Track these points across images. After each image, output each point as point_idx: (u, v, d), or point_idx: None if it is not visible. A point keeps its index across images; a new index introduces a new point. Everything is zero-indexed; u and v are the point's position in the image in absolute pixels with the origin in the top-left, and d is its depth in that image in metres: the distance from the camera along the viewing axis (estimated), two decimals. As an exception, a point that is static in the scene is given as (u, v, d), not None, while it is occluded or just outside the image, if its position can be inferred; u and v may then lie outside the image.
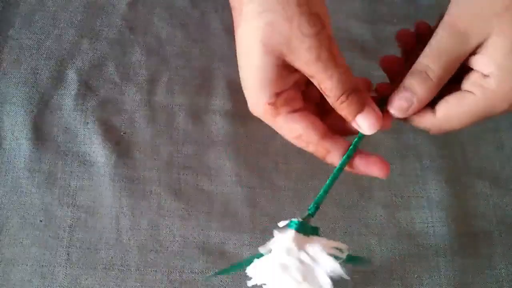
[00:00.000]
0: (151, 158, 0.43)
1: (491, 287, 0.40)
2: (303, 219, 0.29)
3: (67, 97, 0.45)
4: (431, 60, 0.28)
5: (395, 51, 0.49)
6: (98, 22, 0.49)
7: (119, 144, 0.43)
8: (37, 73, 0.46)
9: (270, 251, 0.29)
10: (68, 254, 0.39)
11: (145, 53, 0.48)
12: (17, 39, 0.47)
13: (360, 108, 0.28)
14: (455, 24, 0.27)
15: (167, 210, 0.41)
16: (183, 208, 0.41)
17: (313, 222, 0.42)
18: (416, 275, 0.40)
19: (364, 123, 0.28)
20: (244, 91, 0.29)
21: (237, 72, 0.29)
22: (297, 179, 0.43)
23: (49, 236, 0.40)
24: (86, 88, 0.46)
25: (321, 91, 0.27)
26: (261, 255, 0.29)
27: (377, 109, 0.28)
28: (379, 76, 0.47)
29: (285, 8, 0.25)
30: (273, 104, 0.27)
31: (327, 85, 0.27)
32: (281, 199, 0.42)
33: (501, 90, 0.27)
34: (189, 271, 0.39)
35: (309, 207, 0.30)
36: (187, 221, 0.41)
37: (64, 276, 0.39)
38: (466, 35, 0.27)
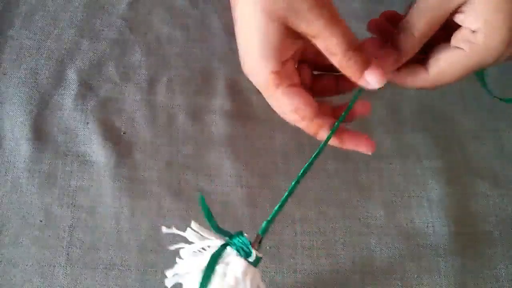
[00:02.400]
0: (151, 158, 0.43)
1: (491, 287, 0.40)
2: (252, 242, 0.30)
3: (67, 97, 0.45)
4: (417, 18, 0.29)
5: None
6: (98, 22, 0.49)
7: (119, 144, 0.43)
8: (37, 73, 0.46)
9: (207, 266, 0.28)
10: (68, 254, 0.39)
11: (145, 53, 0.48)
12: (17, 39, 0.47)
13: (367, 64, 0.29)
14: None
15: (167, 210, 0.41)
16: (183, 208, 0.41)
17: (311, 224, 0.42)
18: (416, 275, 0.40)
19: (373, 78, 0.29)
20: (246, 67, 0.29)
21: (237, 72, 0.29)
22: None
23: (49, 236, 0.40)
24: (86, 88, 0.46)
25: (326, 52, 0.28)
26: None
27: (380, 65, 0.30)
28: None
29: None
30: (278, 73, 0.28)
31: (333, 41, 0.27)
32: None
33: (488, 44, 0.28)
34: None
35: (262, 224, 0.31)
36: (187, 221, 0.41)
37: (64, 276, 0.39)
38: None
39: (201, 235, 0.29)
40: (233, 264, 0.27)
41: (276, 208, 0.30)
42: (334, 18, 0.28)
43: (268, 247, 0.40)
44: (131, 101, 0.45)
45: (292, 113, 0.30)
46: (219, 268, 0.27)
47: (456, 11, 0.29)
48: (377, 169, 0.44)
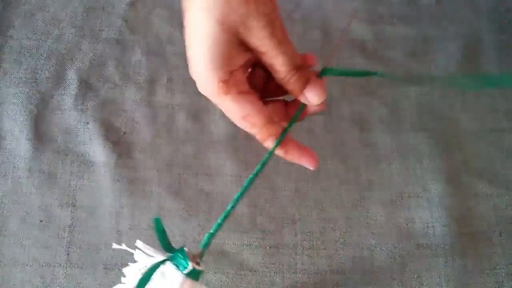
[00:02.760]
0: (151, 158, 0.43)
1: (491, 287, 0.40)
2: (194, 255, 0.29)
3: (67, 97, 0.45)
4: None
5: (395, 51, 0.49)
6: (98, 22, 0.49)
7: (119, 144, 0.43)
8: (37, 73, 0.46)
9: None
10: (68, 254, 0.39)
11: (145, 53, 0.48)
12: (17, 39, 0.47)
13: (306, 82, 0.30)
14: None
15: (167, 210, 0.41)
16: (183, 208, 0.41)
17: (311, 224, 0.42)
18: (416, 275, 0.40)
19: (312, 95, 0.30)
20: (193, 72, 0.30)
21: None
22: (297, 179, 0.43)
23: (49, 236, 0.40)
24: (86, 88, 0.46)
25: (270, 68, 0.29)
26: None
27: (321, 82, 0.31)
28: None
29: None
30: (226, 82, 0.29)
31: (279, 60, 0.28)
32: (281, 199, 0.42)
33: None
34: (189, 271, 0.39)
35: (204, 238, 0.30)
36: (187, 221, 0.41)
37: (64, 276, 0.39)
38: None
39: (146, 253, 0.29)
40: (170, 276, 0.27)
41: (219, 220, 0.30)
42: (284, 38, 0.28)
43: (268, 247, 0.40)
44: (131, 101, 0.45)
45: (242, 120, 0.30)
46: (156, 281, 0.27)
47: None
48: (377, 169, 0.44)
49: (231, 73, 0.29)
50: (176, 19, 0.50)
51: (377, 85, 0.47)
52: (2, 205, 0.41)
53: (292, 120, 0.32)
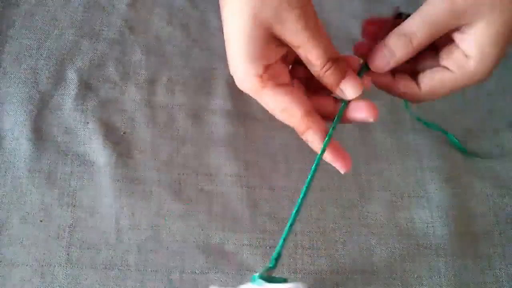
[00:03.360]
0: (151, 158, 0.43)
1: (491, 287, 0.40)
2: (263, 273, 0.29)
3: (67, 97, 0.45)
4: (420, 28, 0.30)
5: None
6: (98, 22, 0.49)
7: (119, 144, 0.43)
8: (37, 73, 0.46)
9: None
10: (68, 254, 0.39)
11: (145, 53, 0.48)
12: (17, 39, 0.47)
13: (342, 75, 0.30)
14: (454, 1, 0.29)
15: (167, 210, 0.41)
16: (183, 208, 0.41)
17: (311, 224, 0.42)
18: (416, 275, 0.40)
19: (348, 88, 0.30)
20: (232, 67, 0.30)
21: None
22: (297, 179, 0.43)
23: (49, 236, 0.40)
24: (86, 88, 0.46)
25: (306, 61, 0.29)
26: None
27: (356, 75, 0.31)
28: (379, 76, 0.47)
29: None
30: (261, 77, 0.29)
31: (314, 53, 0.28)
32: (281, 199, 0.42)
33: (478, 72, 0.30)
34: (189, 271, 0.39)
35: (271, 258, 0.31)
36: (187, 221, 0.41)
37: (64, 276, 0.39)
38: (462, 12, 0.29)
39: None
40: None
41: (283, 237, 0.31)
42: (318, 30, 0.28)
43: (268, 247, 0.40)
44: (131, 101, 0.45)
45: (281, 112, 0.30)
46: None
47: (456, 28, 0.30)
48: (377, 169, 0.44)
49: (267, 67, 0.29)
50: (176, 19, 0.50)
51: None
52: (2, 205, 0.41)
53: (336, 119, 0.31)
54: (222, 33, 0.49)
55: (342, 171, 0.32)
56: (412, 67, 0.33)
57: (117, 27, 0.49)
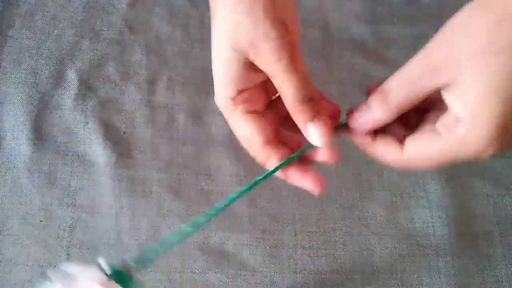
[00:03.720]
0: (151, 158, 0.43)
1: (491, 287, 0.40)
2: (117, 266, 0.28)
3: (67, 97, 0.45)
4: (395, 85, 0.27)
5: (395, 51, 0.49)
6: (98, 22, 0.49)
7: (119, 144, 0.43)
8: (37, 73, 0.46)
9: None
10: (68, 254, 0.39)
11: (145, 53, 0.48)
12: (17, 39, 0.47)
13: (312, 117, 0.28)
14: (428, 57, 0.26)
15: (167, 210, 0.41)
16: (183, 208, 0.41)
17: (311, 224, 0.42)
18: (416, 275, 0.40)
19: (314, 133, 0.28)
20: (214, 82, 0.30)
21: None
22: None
23: (49, 236, 0.40)
24: (86, 88, 0.46)
25: (279, 93, 0.28)
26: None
27: (328, 122, 0.28)
28: (378, 76, 0.48)
29: (252, 12, 0.26)
30: (233, 99, 0.29)
31: (286, 87, 0.27)
32: (281, 199, 0.42)
33: (470, 139, 0.25)
34: (189, 271, 0.39)
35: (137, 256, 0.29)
36: (187, 221, 0.41)
37: (64, 276, 0.39)
38: (437, 69, 0.25)
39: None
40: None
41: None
42: (293, 64, 0.27)
43: (268, 247, 0.40)
44: (131, 101, 0.45)
45: (243, 140, 0.30)
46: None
47: (444, 87, 0.26)
48: (377, 169, 0.44)
49: (242, 91, 0.29)
50: (176, 19, 0.50)
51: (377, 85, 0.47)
52: (2, 205, 0.41)
53: (294, 154, 0.30)
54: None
55: (314, 193, 0.29)
56: (405, 132, 0.29)
57: (117, 27, 0.49)
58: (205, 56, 0.48)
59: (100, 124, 0.44)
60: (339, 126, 0.30)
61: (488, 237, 0.42)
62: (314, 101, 0.28)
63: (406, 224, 0.42)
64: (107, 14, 0.50)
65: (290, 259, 0.40)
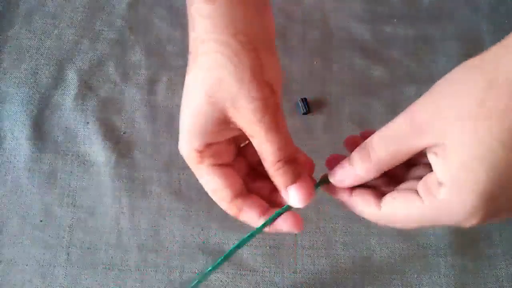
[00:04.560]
0: (151, 158, 0.43)
1: (491, 287, 0.40)
2: None
3: (67, 97, 0.45)
4: (378, 143, 0.26)
5: (394, 51, 0.49)
6: (98, 22, 0.49)
7: (119, 144, 0.43)
8: (37, 73, 0.46)
9: None
10: (68, 254, 0.39)
11: (145, 53, 0.48)
12: (17, 39, 0.47)
13: (294, 179, 0.27)
14: (414, 115, 0.25)
15: (167, 210, 0.41)
16: (183, 208, 0.41)
17: (311, 224, 0.42)
18: (416, 275, 0.40)
19: (295, 195, 0.27)
20: (179, 129, 0.28)
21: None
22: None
23: (49, 236, 0.40)
24: (86, 88, 0.46)
25: (259, 153, 0.27)
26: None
27: (310, 184, 0.28)
28: (378, 76, 0.48)
29: (238, 69, 0.25)
30: (201, 152, 0.27)
31: (266, 148, 0.26)
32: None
33: (451, 205, 0.24)
34: (189, 271, 0.39)
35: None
36: (187, 221, 0.41)
37: (64, 276, 0.39)
38: (422, 129, 0.24)
39: None
40: None
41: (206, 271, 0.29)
42: (277, 125, 0.26)
43: (268, 247, 0.40)
44: (131, 101, 0.45)
45: (212, 192, 0.29)
46: None
47: (429, 148, 0.24)
48: (377, 169, 0.44)
49: (210, 144, 0.27)
50: (176, 19, 0.50)
51: (377, 85, 0.47)
52: (2, 205, 0.41)
53: (280, 210, 0.28)
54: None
55: (295, 232, 0.29)
56: (388, 184, 0.29)
57: (117, 27, 0.49)
58: (205, 56, 0.48)
59: (100, 124, 0.44)
60: (319, 183, 0.29)
61: (488, 237, 0.42)
62: (295, 163, 0.27)
63: (406, 224, 0.42)
64: (107, 14, 0.50)
65: (290, 259, 0.40)
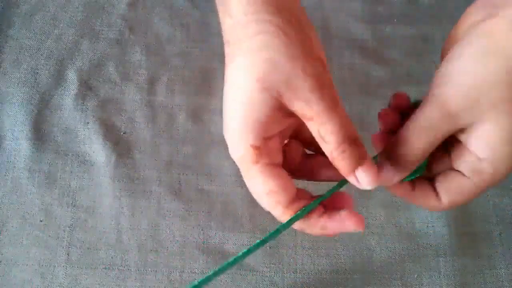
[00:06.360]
0: (151, 158, 0.43)
1: (491, 287, 0.40)
2: None
3: (67, 97, 0.45)
4: (415, 135, 0.27)
5: (395, 51, 0.49)
6: (98, 22, 0.49)
7: (119, 144, 0.43)
8: (37, 73, 0.46)
9: None
10: (68, 254, 0.39)
11: (145, 53, 0.48)
12: (17, 39, 0.47)
13: (361, 161, 0.26)
14: (445, 104, 0.26)
15: (167, 210, 0.41)
16: (183, 208, 0.41)
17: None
18: (416, 275, 0.40)
19: (365, 178, 0.26)
20: (225, 132, 0.26)
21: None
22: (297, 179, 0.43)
23: (49, 236, 0.40)
24: (86, 88, 0.46)
25: (318, 137, 0.25)
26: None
27: (375, 165, 0.27)
28: (379, 76, 0.48)
29: (289, 48, 0.24)
30: (258, 149, 0.25)
31: (329, 128, 0.25)
32: (281, 199, 0.42)
33: (496, 173, 0.27)
34: (189, 271, 0.39)
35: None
36: (187, 221, 0.41)
37: (64, 276, 0.39)
38: (456, 116, 0.26)
39: None
40: None
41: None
42: (334, 103, 0.25)
43: (268, 247, 0.40)
44: (131, 101, 0.45)
45: (266, 196, 0.26)
46: None
47: (460, 130, 0.26)
48: (377, 169, 0.44)
49: (266, 140, 0.25)
50: (176, 19, 0.50)
51: (377, 85, 0.47)
52: (2, 205, 0.41)
53: (315, 201, 0.27)
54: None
55: (359, 231, 0.27)
56: (426, 171, 0.30)
57: (117, 27, 0.49)
58: (205, 56, 0.48)
59: (100, 124, 0.44)
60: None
61: (488, 237, 0.42)
62: (360, 142, 0.26)
63: (406, 224, 0.42)
64: (107, 14, 0.50)
65: (290, 259, 0.40)
